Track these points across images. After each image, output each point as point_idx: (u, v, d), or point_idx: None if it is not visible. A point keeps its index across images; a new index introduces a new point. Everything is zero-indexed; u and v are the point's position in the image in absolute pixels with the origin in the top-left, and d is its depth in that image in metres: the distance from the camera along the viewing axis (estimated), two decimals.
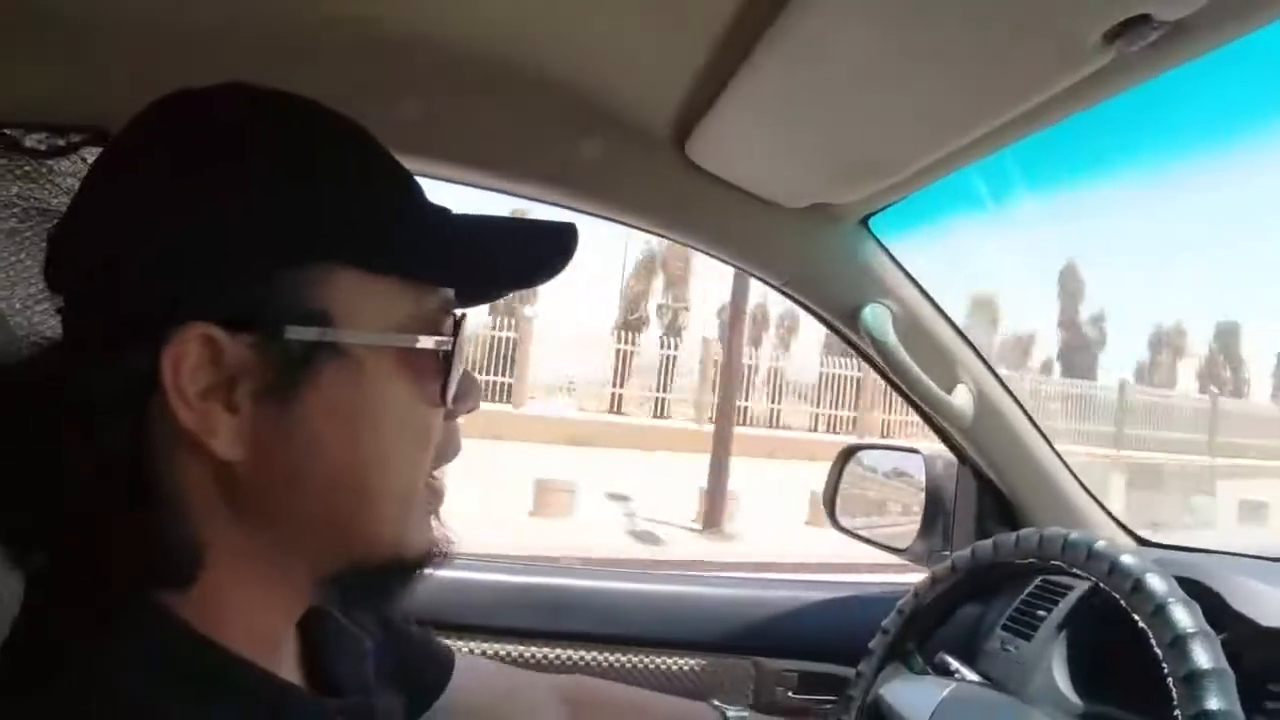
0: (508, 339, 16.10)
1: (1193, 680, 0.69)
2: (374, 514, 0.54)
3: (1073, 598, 1.11)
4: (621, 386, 17.22)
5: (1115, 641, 0.99)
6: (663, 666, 1.28)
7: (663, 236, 1.11)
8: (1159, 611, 0.73)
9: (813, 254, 1.14)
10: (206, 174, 0.50)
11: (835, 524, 1.47)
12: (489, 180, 1.04)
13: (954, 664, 1.02)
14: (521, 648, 1.24)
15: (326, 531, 0.54)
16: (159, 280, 0.49)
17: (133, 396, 0.48)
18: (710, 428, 15.71)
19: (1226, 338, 25.75)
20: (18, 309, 0.89)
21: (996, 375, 1.22)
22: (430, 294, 0.55)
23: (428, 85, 0.94)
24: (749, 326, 20.93)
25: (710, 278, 19.59)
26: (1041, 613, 1.15)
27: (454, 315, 0.57)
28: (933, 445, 1.41)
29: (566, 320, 17.47)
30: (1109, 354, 26.39)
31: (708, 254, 1.14)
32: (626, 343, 17.48)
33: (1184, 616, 0.72)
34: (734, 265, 1.15)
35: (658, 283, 21.51)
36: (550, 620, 1.26)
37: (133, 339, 0.48)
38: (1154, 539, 1.34)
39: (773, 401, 18.02)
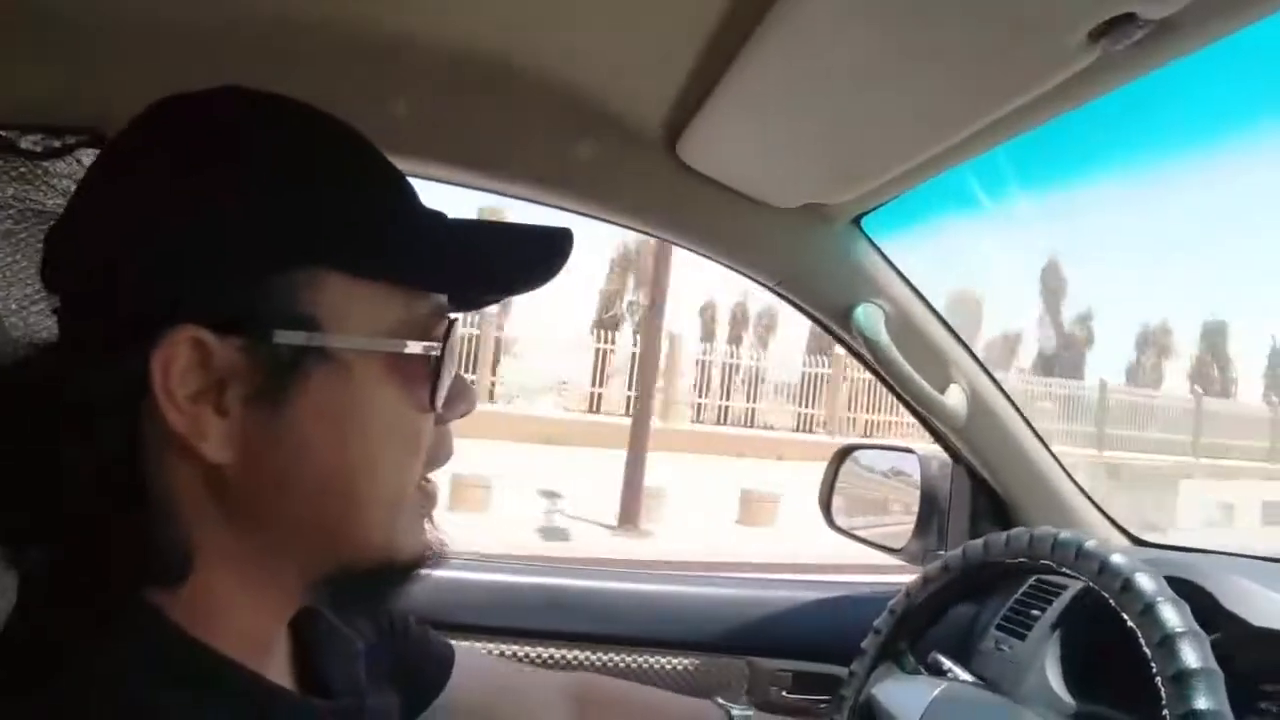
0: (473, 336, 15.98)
1: (1181, 680, 0.69)
2: (363, 518, 0.54)
3: (1066, 597, 1.12)
4: (602, 386, 17.07)
5: (1107, 641, 0.99)
6: (657, 666, 1.28)
7: (655, 237, 1.11)
8: (1147, 611, 0.73)
9: (805, 254, 1.14)
10: (199, 177, 0.51)
11: (830, 524, 1.47)
12: (480, 181, 1.04)
13: (947, 664, 1.02)
14: (517, 647, 1.24)
15: (316, 534, 0.54)
16: (149, 283, 0.49)
17: (124, 398, 0.49)
18: (681, 426, 15.71)
19: (1213, 337, 25.53)
20: (14, 310, 0.89)
21: (990, 374, 1.22)
22: (421, 299, 0.55)
23: (420, 86, 0.94)
24: (728, 325, 20.88)
25: (684, 274, 19.55)
26: (1035, 612, 1.15)
27: (446, 320, 0.57)
28: (928, 445, 1.41)
29: (551, 320, 17.45)
30: (1095, 353, 26.24)
31: (700, 254, 1.13)
32: (605, 341, 17.32)
33: (1172, 616, 0.72)
34: (726, 265, 1.15)
35: (632, 280, 21.35)
36: (546, 620, 1.27)
37: (124, 341, 0.48)
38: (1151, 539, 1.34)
39: (750, 400, 17.94)
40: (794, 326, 21.36)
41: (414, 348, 0.54)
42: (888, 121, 0.85)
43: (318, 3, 0.85)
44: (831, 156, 0.96)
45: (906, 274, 1.16)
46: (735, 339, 20.73)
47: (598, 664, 1.27)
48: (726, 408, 17.51)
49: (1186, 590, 0.84)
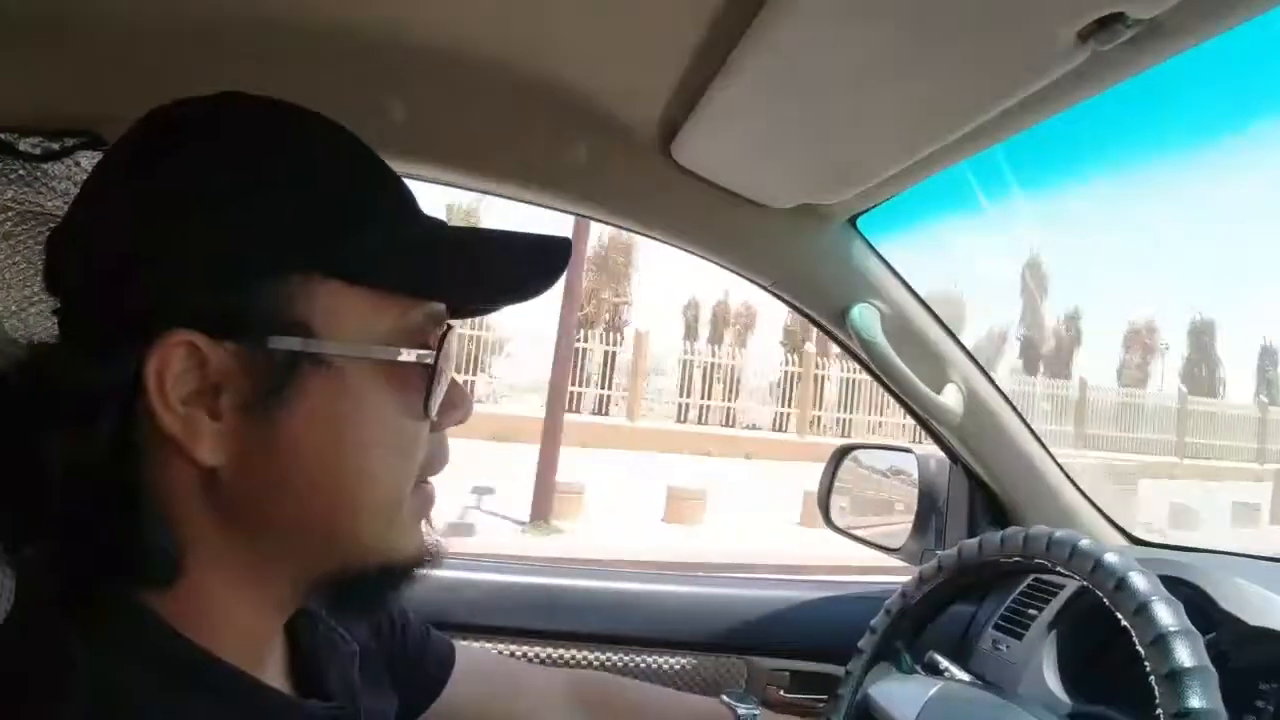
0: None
1: (1175, 678, 0.69)
2: (357, 522, 0.54)
3: (1063, 597, 1.12)
4: (578, 384, 16.92)
5: (1104, 640, 0.99)
6: (656, 665, 1.28)
7: (651, 237, 1.11)
8: (1141, 610, 0.73)
9: (800, 254, 1.14)
10: (195, 182, 0.51)
11: (829, 523, 1.48)
12: (476, 182, 1.04)
13: (944, 663, 1.02)
14: (515, 646, 1.25)
15: (309, 538, 0.54)
16: (145, 286, 0.50)
17: (119, 400, 0.49)
18: (644, 424, 15.68)
19: (1200, 336, 25.37)
20: (13, 311, 0.89)
21: (986, 374, 1.22)
22: (417, 306, 0.55)
23: (417, 89, 0.94)
24: (709, 325, 20.78)
25: (669, 272, 19.41)
26: (1032, 612, 1.15)
27: (443, 328, 0.57)
28: (926, 445, 1.41)
29: (530, 320, 17.37)
30: (1083, 353, 26.03)
31: (696, 254, 1.14)
32: (581, 340, 17.21)
33: (1166, 615, 0.72)
34: (722, 266, 1.15)
35: (605, 277, 21.26)
36: (544, 619, 1.27)
37: (120, 343, 0.49)
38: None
39: (729, 400, 17.90)
40: (773, 325, 21.40)
41: (408, 355, 0.54)
42: (881, 122, 0.85)
43: (315, 7, 0.85)
44: (825, 157, 0.96)
45: (902, 274, 1.16)
46: (717, 338, 20.61)
47: (595, 663, 1.27)
48: (707, 406, 17.45)
49: (1182, 590, 0.84)
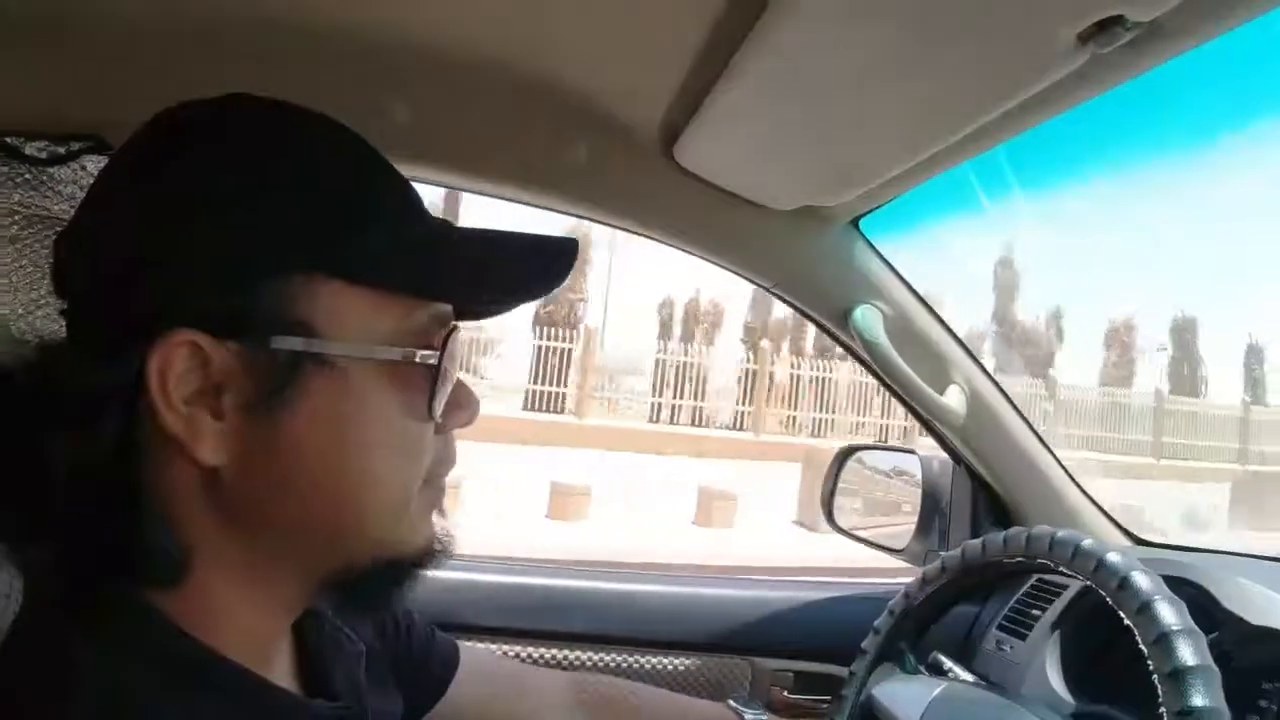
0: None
1: (1177, 677, 0.69)
2: (363, 523, 0.54)
3: (1066, 597, 1.12)
4: (539, 383, 16.79)
5: (1107, 640, 0.99)
6: (659, 666, 1.28)
7: (653, 239, 1.12)
8: (1144, 609, 0.73)
9: (803, 256, 1.14)
10: (199, 183, 0.51)
11: (832, 524, 1.48)
12: (477, 184, 1.05)
13: (948, 663, 1.02)
14: (519, 647, 1.25)
15: (313, 538, 0.54)
16: (148, 286, 0.50)
17: (122, 400, 0.49)
18: (593, 421, 15.57)
19: (1182, 334, 25.06)
20: (20, 314, 0.90)
21: (989, 375, 1.22)
22: (420, 306, 0.55)
23: (419, 90, 0.95)
24: (680, 324, 20.70)
25: (636, 270, 19.26)
26: (1036, 612, 1.15)
27: (447, 329, 0.57)
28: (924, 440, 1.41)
29: (518, 319, 17.30)
30: (1063, 352, 25.76)
31: (699, 256, 1.14)
32: (545, 338, 17.01)
33: (1169, 614, 0.72)
34: (725, 267, 1.15)
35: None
36: (547, 620, 1.27)
37: (123, 344, 0.49)
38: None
39: (697, 398, 17.69)
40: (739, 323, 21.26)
41: (411, 356, 0.54)
42: (882, 124, 0.85)
43: (319, 9, 0.86)
44: (827, 159, 0.96)
45: (904, 275, 1.16)
46: (688, 336, 20.49)
47: (599, 664, 1.27)
48: (677, 406, 17.39)
49: (1185, 589, 0.84)
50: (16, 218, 0.92)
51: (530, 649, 1.25)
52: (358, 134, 0.57)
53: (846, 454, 1.51)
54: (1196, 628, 0.72)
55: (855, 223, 1.13)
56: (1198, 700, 0.67)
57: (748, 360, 17.79)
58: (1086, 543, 0.80)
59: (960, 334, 1.20)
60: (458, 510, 9.76)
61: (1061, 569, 0.83)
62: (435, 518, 0.60)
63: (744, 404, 17.56)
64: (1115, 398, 20.80)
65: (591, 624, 1.28)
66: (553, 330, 16.95)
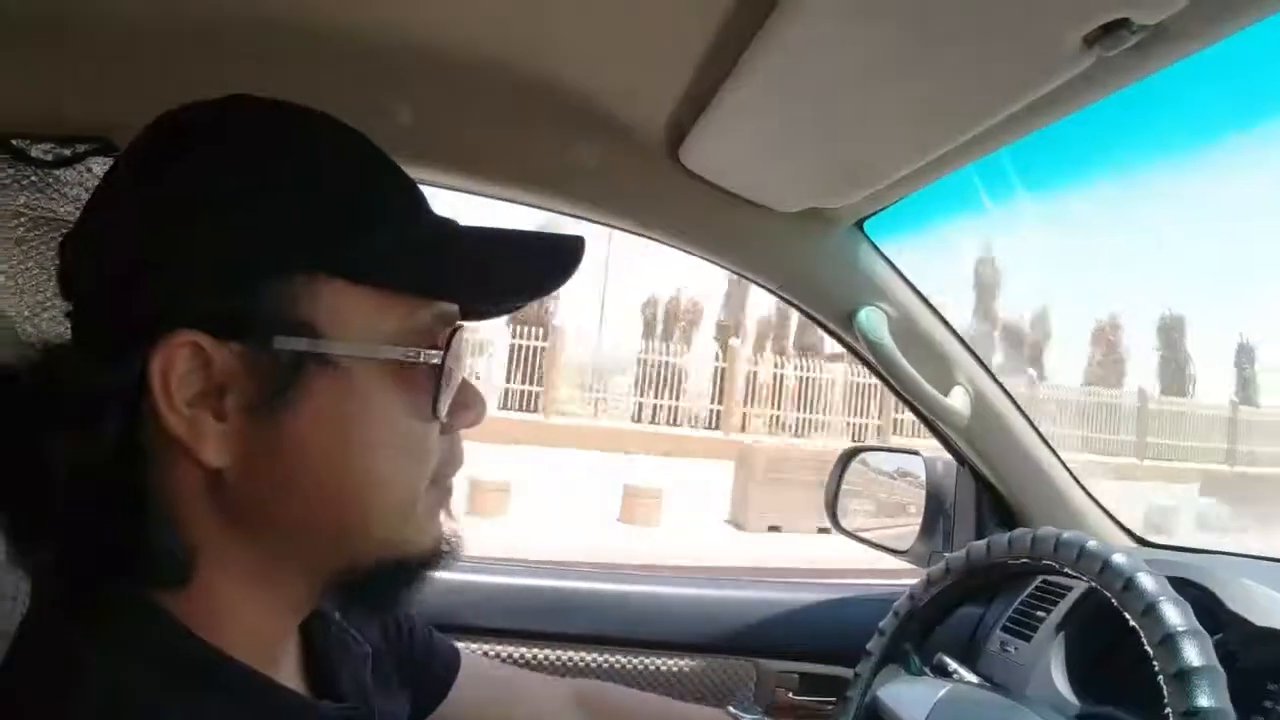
0: None
1: (1183, 678, 0.69)
2: (367, 523, 0.54)
3: (1071, 599, 1.12)
4: (514, 381, 16.79)
5: (1112, 641, 0.99)
6: (663, 668, 1.28)
7: (658, 241, 1.12)
8: (1149, 610, 0.73)
9: (807, 257, 1.14)
10: (201, 184, 0.51)
11: (836, 525, 1.48)
12: (484, 186, 1.05)
13: (953, 665, 1.02)
14: (523, 649, 1.25)
15: (318, 539, 0.54)
16: (150, 287, 0.50)
17: (125, 401, 0.49)
18: (558, 420, 15.53)
19: (1169, 334, 24.85)
20: (26, 316, 0.90)
21: (993, 377, 1.22)
22: (424, 306, 0.55)
23: (424, 91, 0.95)
24: (661, 323, 20.68)
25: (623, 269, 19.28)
26: (1040, 614, 1.15)
27: (452, 328, 0.56)
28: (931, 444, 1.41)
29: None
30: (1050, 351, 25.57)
31: (703, 258, 1.14)
32: (520, 337, 16.98)
33: (1174, 615, 0.72)
34: (730, 269, 1.16)
35: None
36: (551, 622, 1.27)
37: (126, 345, 0.49)
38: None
39: (674, 398, 17.71)
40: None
41: (415, 355, 0.53)
42: (887, 126, 0.85)
43: (326, 10, 0.86)
44: (832, 161, 0.96)
45: (909, 276, 1.16)
46: (668, 335, 20.50)
47: (604, 666, 1.27)
48: (657, 405, 17.39)
49: (1190, 590, 0.84)
50: (22, 220, 0.92)
51: (534, 650, 1.25)
52: (361, 134, 0.57)
53: (850, 455, 1.51)
54: (1201, 629, 0.72)
55: (860, 225, 1.13)
56: (1203, 701, 0.68)
57: (719, 359, 17.80)
58: (1091, 544, 0.80)
59: None
60: None
61: (1067, 570, 0.83)
62: (443, 518, 0.60)
63: (716, 403, 17.61)
64: (1101, 397, 20.72)
65: (596, 626, 1.28)
66: (527, 329, 16.95)
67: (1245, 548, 1.26)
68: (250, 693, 0.53)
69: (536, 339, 16.78)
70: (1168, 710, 0.69)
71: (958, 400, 1.18)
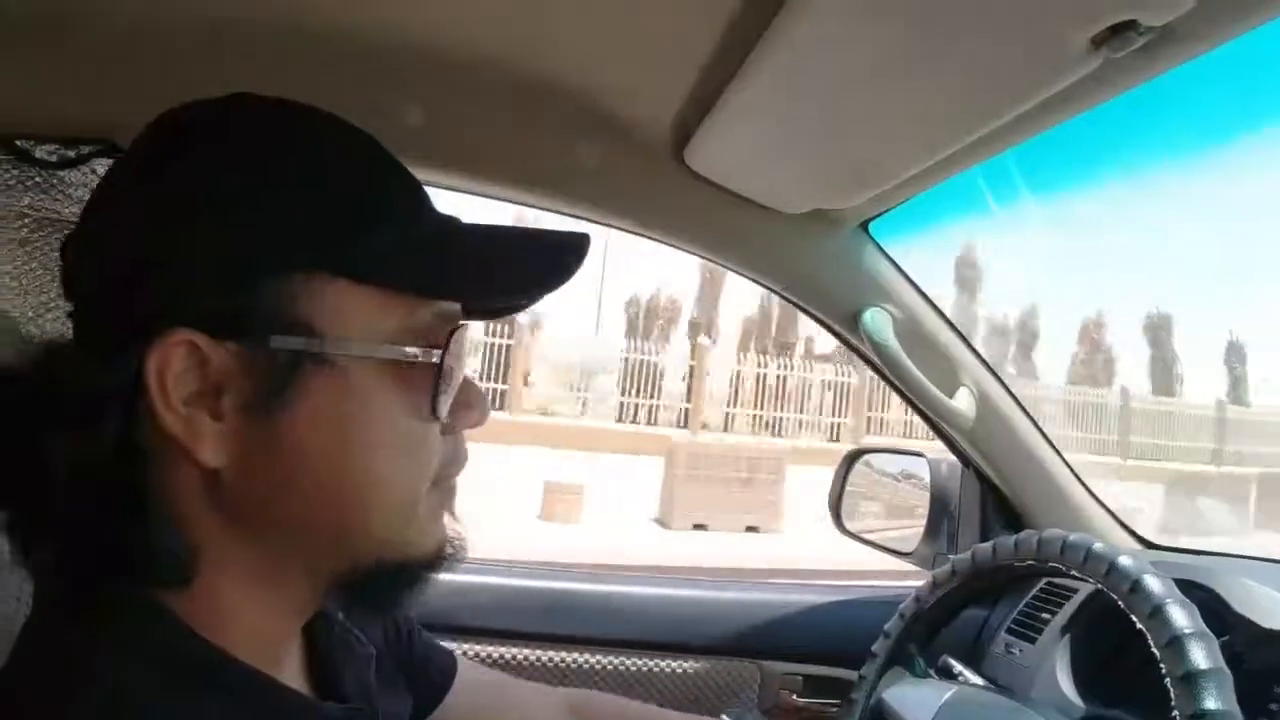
0: None
1: (1190, 680, 0.69)
2: (369, 524, 0.54)
3: (1076, 601, 1.12)
4: (487, 380, 16.53)
5: (1117, 644, 0.99)
6: (667, 670, 1.28)
7: (663, 242, 1.12)
8: (1156, 612, 0.73)
9: (812, 259, 1.14)
10: (204, 184, 0.51)
11: (840, 527, 1.47)
12: (488, 188, 1.04)
13: (957, 667, 1.02)
14: (527, 651, 1.25)
15: (318, 539, 0.54)
16: (155, 290, 0.50)
17: (122, 400, 0.49)
18: (524, 418, 15.46)
19: (1157, 332, 24.62)
20: (30, 316, 0.90)
21: (998, 378, 1.22)
22: (424, 305, 0.54)
23: (429, 92, 0.95)
24: (644, 321, 20.65)
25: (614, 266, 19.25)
26: (1046, 616, 1.15)
27: (452, 327, 0.56)
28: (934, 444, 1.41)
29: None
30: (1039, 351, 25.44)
31: (708, 259, 1.14)
32: (498, 335, 16.82)
33: (1181, 617, 0.72)
34: (735, 270, 1.16)
35: None
36: (554, 623, 1.27)
37: (124, 344, 0.49)
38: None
39: (653, 397, 17.59)
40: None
41: (412, 354, 0.53)
42: (892, 127, 0.85)
43: (329, 10, 0.86)
44: (837, 162, 0.96)
45: (914, 278, 1.16)
46: (647, 333, 20.44)
47: (606, 668, 1.27)
48: (639, 404, 17.36)
49: (1196, 593, 0.84)
50: (26, 220, 0.92)
51: (540, 652, 1.25)
52: (365, 132, 0.56)
53: (854, 457, 1.51)
54: (1209, 631, 0.72)
55: (864, 226, 1.13)
56: (1210, 704, 0.68)
57: (692, 356, 17.81)
58: (1098, 546, 0.80)
59: None
60: None
61: (1073, 572, 0.83)
62: (446, 520, 0.60)
63: (687, 401, 17.61)
64: (1087, 397, 20.65)
65: (599, 627, 1.28)
66: (498, 326, 16.78)
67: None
68: (252, 693, 0.52)
69: (504, 336, 16.75)
70: (1175, 713, 0.69)
71: (963, 402, 1.18)
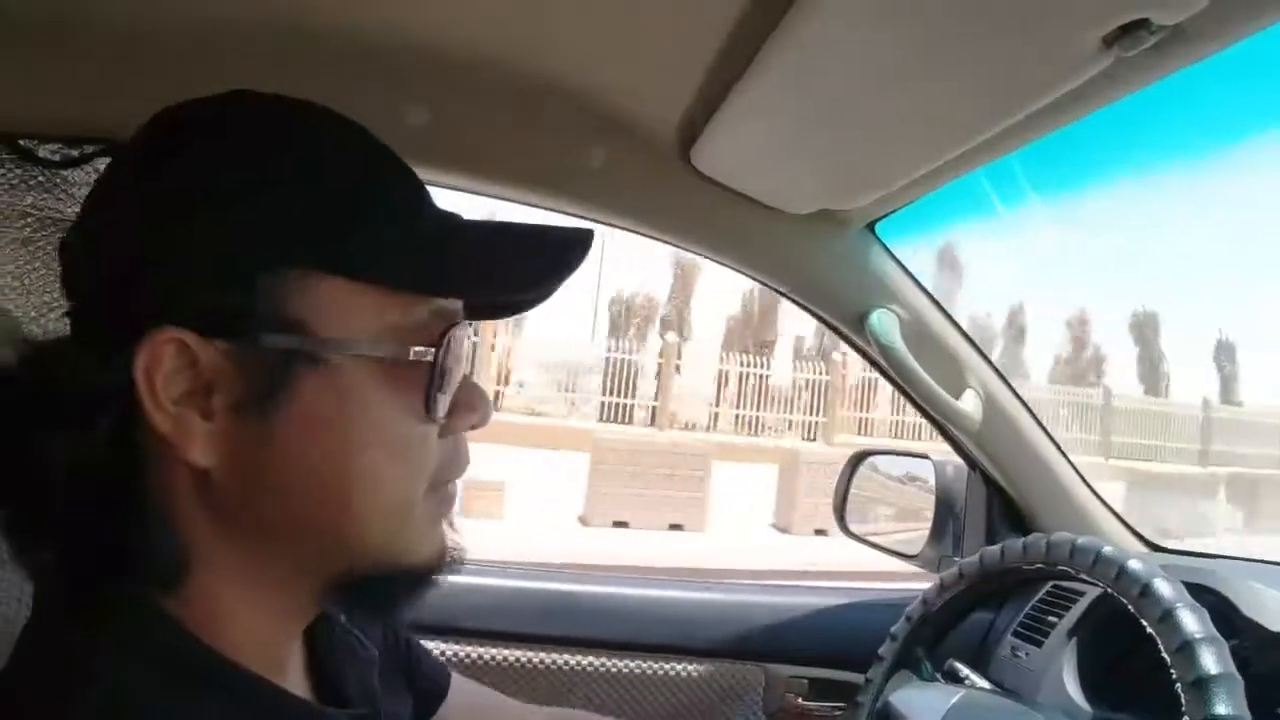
0: None
1: (1200, 685, 0.69)
2: (364, 525, 0.53)
3: (1083, 604, 1.11)
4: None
5: (1125, 647, 0.99)
6: (670, 673, 1.27)
7: (669, 243, 1.11)
8: (1166, 617, 0.73)
9: (819, 260, 1.13)
10: (201, 181, 0.51)
11: (844, 529, 1.47)
12: (493, 188, 1.04)
13: (964, 671, 1.01)
14: (527, 653, 1.24)
15: (311, 542, 0.53)
16: (152, 288, 0.49)
17: (114, 400, 0.49)
18: (502, 417, 15.37)
19: (1144, 330, 24.51)
20: (32, 316, 0.90)
21: (1005, 380, 1.22)
22: (420, 303, 0.53)
23: (434, 93, 0.94)
24: (623, 320, 20.67)
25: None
26: (1052, 619, 1.14)
27: (448, 325, 0.54)
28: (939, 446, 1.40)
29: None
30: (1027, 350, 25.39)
31: (714, 260, 1.14)
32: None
33: (1191, 622, 0.72)
34: (741, 271, 1.15)
35: None
36: (556, 625, 1.26)
37: (116, 343, 0.48)
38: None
39: (628, 395, 17.60)
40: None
41: (406, 353, 0.52)
42: (901, 128, 0.85)
43: (329, 10, 0.86)
44: (845, 163, 0.96)
45: (920, 279, 1.15)
46: (625, 332, 20.45)
47: (609, 671, 1.26)
48: (617, 404, 17.35)
49: (1205, 597, 0.84)
50: (29, 220, 0.92)
51: (542, 654, 1.25)
52: (365, 129, 0.56)
53: (859, 459, 1.50)
54: (1219, 636, 0.72)
55: (871, 227, 1.13)
56: (1221, 709, 0.68)
57: (662, 354, 17.82)
58: (1107, 550, 0.80)
59: None
60: None
61: (1082, 576, 0.82)
62: (445, 526, 0.59)
63: (655, 399, 17.63)
64: (1074, 396, 20.62)
65: (602, 630, 1.28)
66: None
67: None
68: (251, 696, 0.52)
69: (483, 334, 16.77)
70: (1185, 717, 0.69)
71: (969, 404, 1.18)
